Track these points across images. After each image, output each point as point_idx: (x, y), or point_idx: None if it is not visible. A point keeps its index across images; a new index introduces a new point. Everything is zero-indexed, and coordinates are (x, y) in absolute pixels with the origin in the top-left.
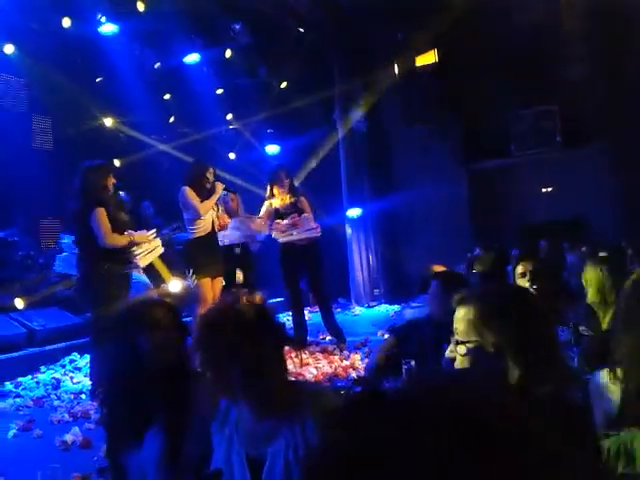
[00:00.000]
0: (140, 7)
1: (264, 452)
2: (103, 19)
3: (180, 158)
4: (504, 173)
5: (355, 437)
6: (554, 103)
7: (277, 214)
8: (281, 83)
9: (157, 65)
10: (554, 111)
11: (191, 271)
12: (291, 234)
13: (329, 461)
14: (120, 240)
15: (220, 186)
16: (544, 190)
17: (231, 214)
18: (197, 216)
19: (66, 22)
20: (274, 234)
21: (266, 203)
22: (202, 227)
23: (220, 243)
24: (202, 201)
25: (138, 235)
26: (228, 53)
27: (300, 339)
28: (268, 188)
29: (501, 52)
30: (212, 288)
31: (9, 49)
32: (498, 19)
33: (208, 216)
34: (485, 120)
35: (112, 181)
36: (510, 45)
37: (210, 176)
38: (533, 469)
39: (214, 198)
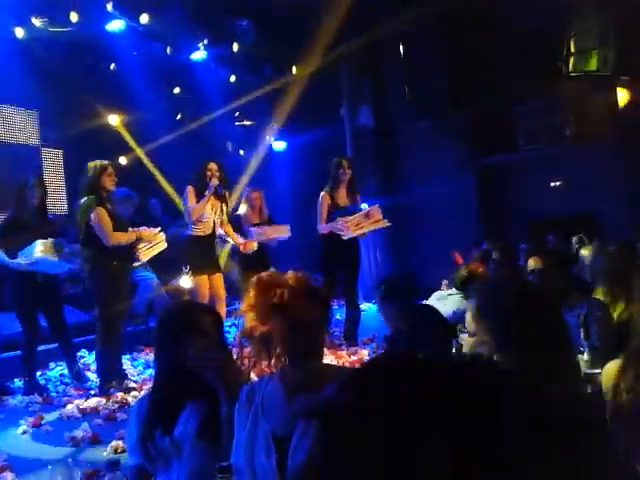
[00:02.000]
0: (144, 19)
1: (291, 431)
2: (109, 6)
3: (187, 156)
4: (512, 168)
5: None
6: (563, 97)
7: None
8: (288, 79)
9: (164, 62)
10: (563, 105)
11: (187, 267)
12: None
13: (343, 413)
14: (124, 237)
15: (213, 187)
16: (553, 185)
17: (256, 212)
18: (190, 218)
19: (74, 17)
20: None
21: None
22: (202, 228)
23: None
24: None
25: (144, 231)
26: (235, 49)
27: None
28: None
29: (510, 44)
30: (212, 284)
31: (19, 32)
32: (509, 9)
33: (208, 219)
34: (493, 114)
35: (113, 180)
36: (519, 37)
37: (209, 172)
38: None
39: (204, 202)
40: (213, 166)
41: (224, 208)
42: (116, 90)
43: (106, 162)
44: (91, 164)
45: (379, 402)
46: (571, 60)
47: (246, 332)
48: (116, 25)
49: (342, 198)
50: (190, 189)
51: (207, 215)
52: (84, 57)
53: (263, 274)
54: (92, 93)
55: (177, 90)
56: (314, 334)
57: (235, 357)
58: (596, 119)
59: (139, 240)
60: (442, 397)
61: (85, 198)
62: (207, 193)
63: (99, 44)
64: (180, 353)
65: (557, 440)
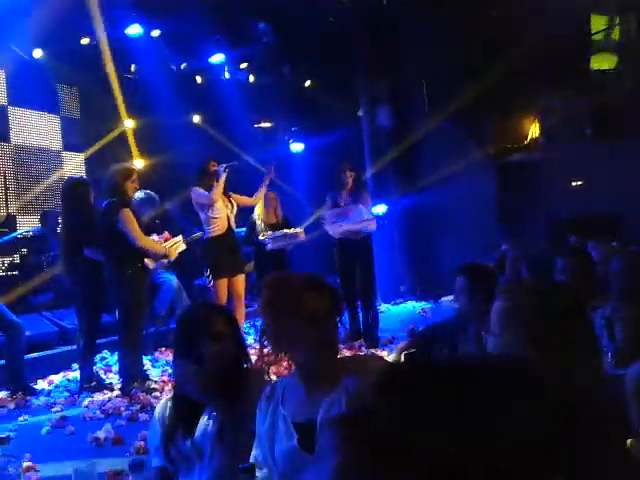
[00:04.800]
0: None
1: (309, 417)
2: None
3: (206, 157)
4: (532, 167)
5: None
6: (584, 95)
7: None
8: (306, 81)
9: (183, 66)
10: (584, 103)
11: (208, 271)
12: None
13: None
14: (153, 246)
15: (223, 169)
16: (574, 184)
17: (271, 213)
18: (210, 202)
19: (84, 41)
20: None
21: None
22: (218, 225)
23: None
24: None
25: (168, 243)
26: (253, 51)
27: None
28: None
29: (529, 42)
30: (232, 285)
31: (37, 53)
32: (527, 6)
33: (222, 214)
34: (512, 113)
35: (136, 186)
36: (538, 35)
37: (212, 167)
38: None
39: (221, 183)
40: (213, 164)
41: (233, 202)
42: (135, 94)
43: (131, 166)
44: (116, 167)
45: (404, 410)
46: (592, 58)
47: (265, 330)
48: (135, 29)
49: (344, 200)
50: (197, 188)
51: (220, 210)
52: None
53: (274, 273)
54: (112, 97)
55: (195, 93)
56: (327, 327)
57: (256, 357)
58: (616, 117)
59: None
60: (465, 400)
61: (109, 201)
62: (222, 173)
63: (118, 48)
64: (196, 355)
65: (573, 440)
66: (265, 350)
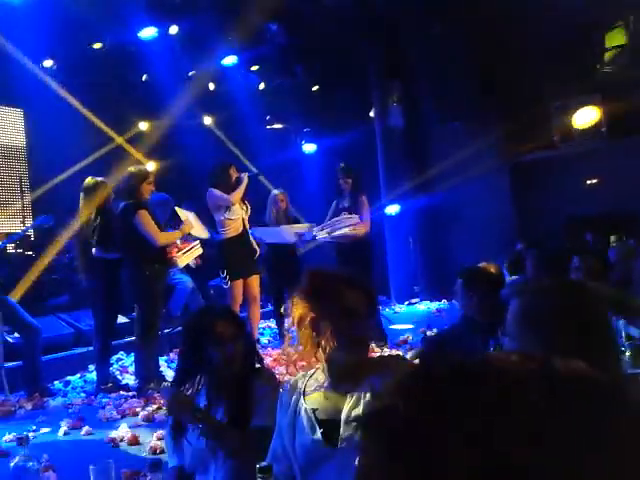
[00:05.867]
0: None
1: (333, 415)
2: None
3: (219, 159)
4: (547, 166)
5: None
6: (598, 92)
7: None
8: (317, 82)
9: (195, 68)
10: (598, 101)
11: (225, 272)
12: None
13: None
14: (172, 236)
15: (246, 176)
16: (589, 182)
17: (281, 214)
18: (229, 204)
19: (97, 45)
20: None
21: None
22: (232, 227)
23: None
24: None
25: (185, 246)
26: (265, 54)
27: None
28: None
29: (542, 40)
30: (247, 285)
31: (48, 63)
32: (540, 5)
33: (238, 216)
34: (526, 112)
35: (151, 189)
36: (552, 32)
37: (234, 173)
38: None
39: (242, 187)
40: (234, 170)
41: (247, 205)
42: (148, 96)
43: (147, 169)
44: (133, 170)
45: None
46: (605, 55)
47: (296, 319)
48: (149, 32)
49: (345, 202)
50: (215, 190)
51: (236, 212)
52: (116, 65)
53: (316, 267)
54: (125, 100)
55: (208, 95)
56: (361, 324)
57: (282, 350)
58: (632, 114)
59: (175, 245)
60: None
61: (126, 203)
62: (244, 179)
63: (131, 51)
64: (201, 358)
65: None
66: (291, 342)
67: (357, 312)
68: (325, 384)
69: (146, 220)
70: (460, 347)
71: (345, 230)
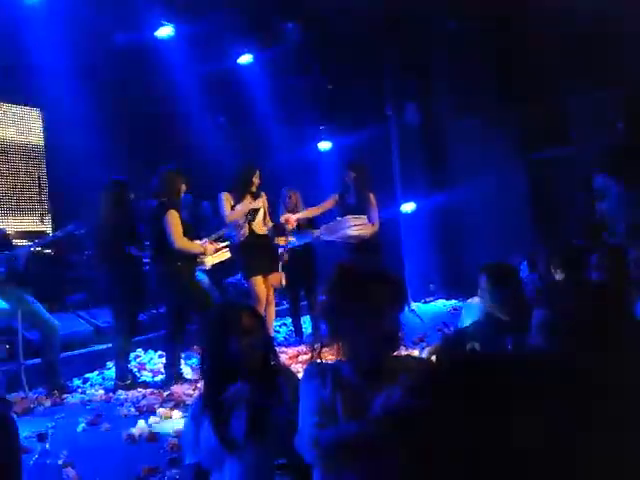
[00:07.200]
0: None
1: (364, 410)
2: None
3: (236, 157)
4: (565, 162)
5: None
6: (616, 88)
7: None
8: (333, 80)
9: (211, 67)
10: (616, 97)
11: (243, 273)
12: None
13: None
14: (191, 246)
15: (262, 201)
16: None
17: (290, 211)
18: (224, 220)
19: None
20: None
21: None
22: (242, 232)
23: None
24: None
25: (209, 247)
26: (281, 52)
27: None
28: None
29: (560, 37)
30: (266, 284)
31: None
32: (558, 2)
33: (246, 222)
34: (544, 107)
35: (185, 187)
36: (570, 27)
37: (256, 180)
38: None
39: (244, 209)
40: (257, 178)
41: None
42: (162, 95)
43: (180, 169)
44: (168, 170)
45: (451, 405)
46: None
47: (326, 311)
48: (165, 32)
49: (352, 198)
50: (226, 195)
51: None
52: (132, 64)
53: (343, 262)
54: (141, 99)
55: (223, 94)
56: (388, 320)
57: (308, 345)
58: None
59: (203, 253)
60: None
61: (159, 201)
62: (249, 204)
63: (147, 51)
64: (222, 353)
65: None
66: (318, 335)
67: (382, 307)
68: (354, 380)
69: (175, 221)
70: (483, 345)
71: (348, 232)
